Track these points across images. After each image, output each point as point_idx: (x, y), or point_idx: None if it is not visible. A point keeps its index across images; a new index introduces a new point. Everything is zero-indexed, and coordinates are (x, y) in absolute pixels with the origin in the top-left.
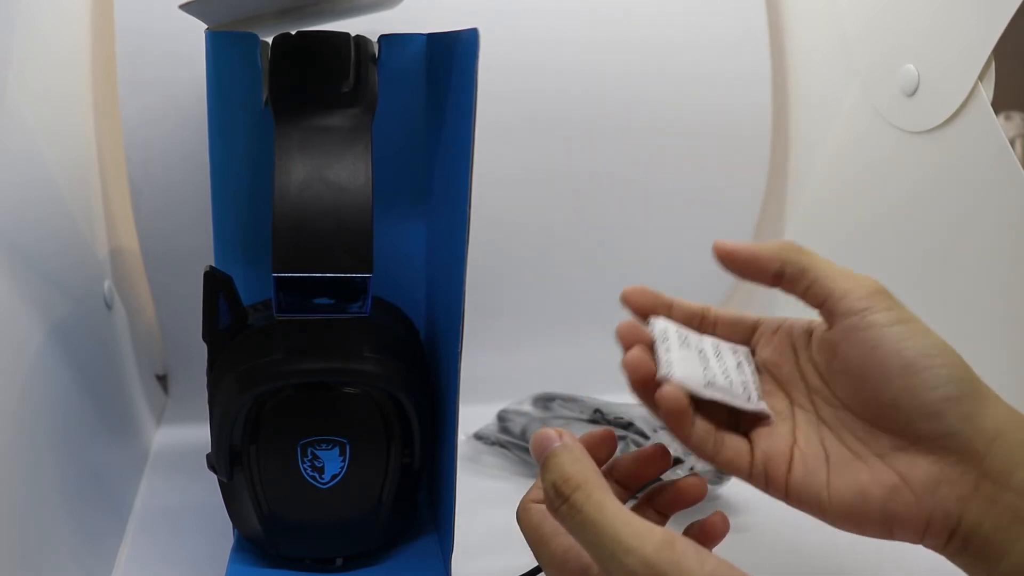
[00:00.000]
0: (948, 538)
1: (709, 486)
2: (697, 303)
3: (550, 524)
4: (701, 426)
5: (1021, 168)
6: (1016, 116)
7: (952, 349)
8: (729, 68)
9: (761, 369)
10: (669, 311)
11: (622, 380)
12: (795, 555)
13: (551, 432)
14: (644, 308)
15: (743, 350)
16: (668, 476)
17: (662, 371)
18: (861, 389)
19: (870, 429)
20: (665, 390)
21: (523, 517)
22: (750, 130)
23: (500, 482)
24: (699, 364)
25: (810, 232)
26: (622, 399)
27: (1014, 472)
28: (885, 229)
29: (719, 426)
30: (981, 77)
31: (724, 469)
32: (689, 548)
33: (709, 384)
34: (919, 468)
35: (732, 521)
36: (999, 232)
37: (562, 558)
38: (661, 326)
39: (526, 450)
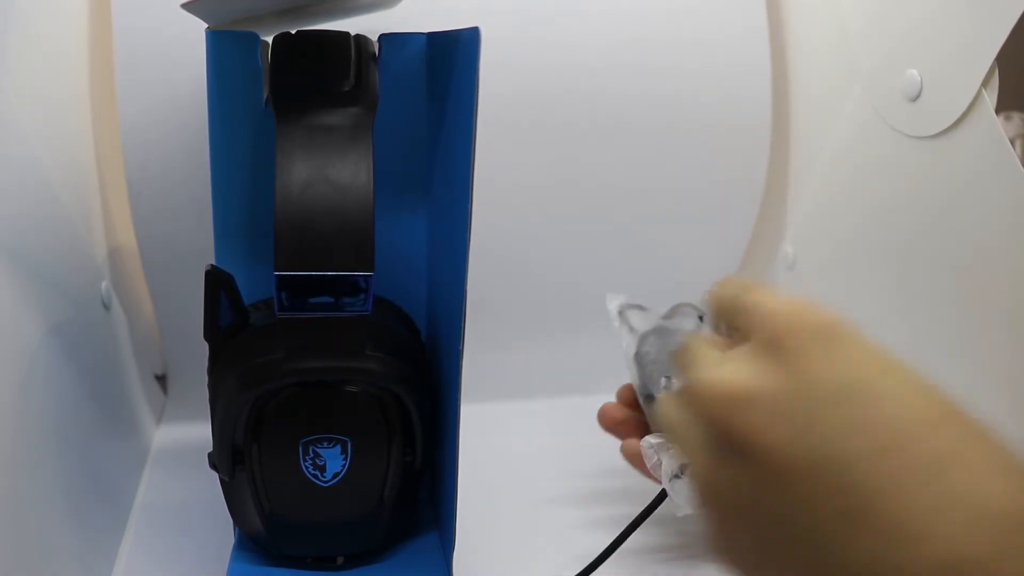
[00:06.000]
0: None
1: None
2: None
3: None
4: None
5: None
6: (1016, 116)
7: None
8: (729, 68)
9: None
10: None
11: (624, 378)
12: None
13: None
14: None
15: None
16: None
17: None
18: None
19: None
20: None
21: None
22: (750, 131)
23: (501, 480)
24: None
25: (810, 235)
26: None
27: None
28: (886, 234)
29: None
30: (985, 84)
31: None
32: None
33: None
34: None
35: None
36: (1001, 239)
37: None
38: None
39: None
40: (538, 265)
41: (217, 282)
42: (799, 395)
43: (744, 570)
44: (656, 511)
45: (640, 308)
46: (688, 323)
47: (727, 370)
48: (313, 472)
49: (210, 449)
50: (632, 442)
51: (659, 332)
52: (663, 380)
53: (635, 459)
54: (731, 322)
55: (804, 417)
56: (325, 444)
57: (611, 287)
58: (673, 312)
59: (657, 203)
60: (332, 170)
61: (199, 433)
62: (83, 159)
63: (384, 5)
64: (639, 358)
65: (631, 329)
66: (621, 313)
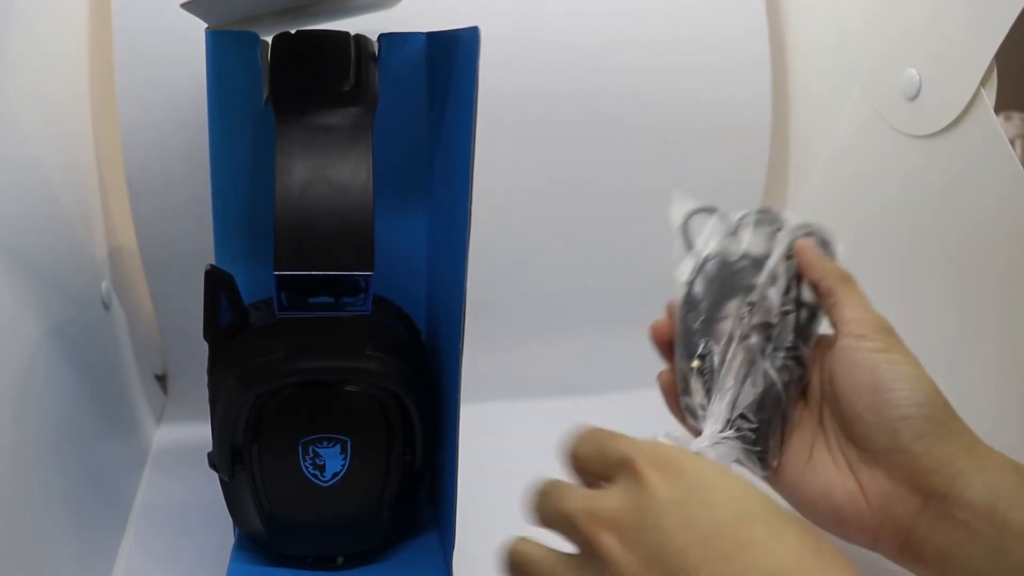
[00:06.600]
0: (900, 549)
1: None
2: None
3: None
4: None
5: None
6: (1016, 116)
7: (927, 381)
8: (729, 68)
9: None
10: None
11: (624, 377)
12: None
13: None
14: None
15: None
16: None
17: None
18: (842, 402)
19: (847, 440)
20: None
21: None
22: (750, 131)
23: (501, 480)
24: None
25: None
26: (627, 396)
27: (963, 492)
28: (886, 233)
29: None
30: (983, 83)
31: None
32: None
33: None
34: (876, 482)
35: None
36: (1001, 239)
37: None
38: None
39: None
40: (538, 265)
41: (217, 282)
42: (647, 511)
43: None
44: None
45: (709, 211)
46: (756, 245)
47: (598, 501)
48: (313, 472)
49: (210, 449)
50: (667, 374)
51: (720, 262)
52: (699, 350)
53: (667, 389)
54: (590, 469)
55: (651, 523)
56: (325, 444)
57: (610, 287)
58: (743, 223)
59: (657, 203)
60: (332, 170)
61: (199, 433)
62: (83, 159)
63: (384, 5)
64: (688, 301)
65: (691, 247)
66: (685, 224)
